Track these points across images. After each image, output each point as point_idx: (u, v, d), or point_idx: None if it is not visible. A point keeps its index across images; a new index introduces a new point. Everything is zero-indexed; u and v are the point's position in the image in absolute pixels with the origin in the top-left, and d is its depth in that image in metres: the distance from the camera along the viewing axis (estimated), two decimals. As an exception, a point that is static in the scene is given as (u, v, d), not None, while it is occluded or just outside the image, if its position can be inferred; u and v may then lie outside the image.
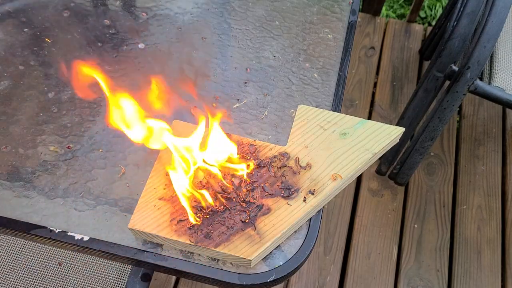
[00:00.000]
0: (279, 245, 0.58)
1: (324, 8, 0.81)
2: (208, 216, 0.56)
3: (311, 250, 0.58)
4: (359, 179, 1.48)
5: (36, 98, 0.69)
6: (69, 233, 0.58)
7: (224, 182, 0.58)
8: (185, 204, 0.55)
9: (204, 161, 0.57)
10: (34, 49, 0.75)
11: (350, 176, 0.60)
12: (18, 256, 0.83)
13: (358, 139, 0.62)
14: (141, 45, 0.76)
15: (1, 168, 0.63)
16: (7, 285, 0.81)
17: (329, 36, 0.78)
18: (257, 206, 0.57)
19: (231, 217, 0.56)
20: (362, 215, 1.40)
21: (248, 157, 0.61)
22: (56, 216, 0.59)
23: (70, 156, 0.64)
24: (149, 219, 0.56)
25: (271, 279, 0.56)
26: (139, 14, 0.79)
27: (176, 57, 0.75)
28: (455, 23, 1.07)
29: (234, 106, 0.69)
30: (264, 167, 0.60)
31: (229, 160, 0.59)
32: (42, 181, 0.62)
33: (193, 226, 0.55)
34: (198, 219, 0.56)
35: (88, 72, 0.56)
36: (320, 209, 0.60)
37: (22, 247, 0.84)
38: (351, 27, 0.78)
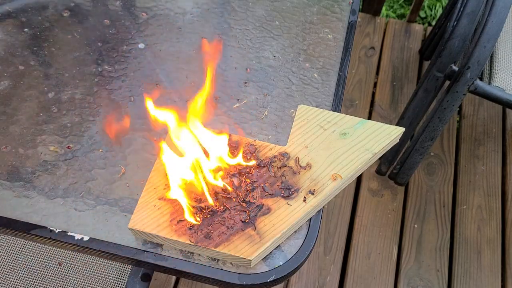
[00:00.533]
0: (279, 245, 0.58)
1: (324, 8, 0.81)
2: (208, 216, 0.56)
3: (311, 250, 0.58)
4: (359, 179, 1.48)
5: (36, 98, 0.69)
6: (69, 233, 0.58)
7: (225, 182, 0.58)
8: (183, 202, 0.55)
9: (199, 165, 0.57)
10: (34, 49, 0.75)
11: (350, 176, 0.60)
12: (18, 256, 0.83)
13: (358, 139, 0.62)
14: (141, 45, 0.76)
15: (1, 168, 0.63)
16: (7, 285, 0.81)
17: (329, 36, 0.78)
18: (257, 206, 0.57)
19: (231, 217, 0.56)
20: (362, 215, 1.40)
21: (248, 157, 0.61)
22: (56, 216, 0.59)
23: (70, 156, 0.64)
24: (149, 219, 0.56)
25: (271, 279, 0.56)
26: (139, 14, 0.79)
27: (176, 57, 0.75)
28: (455, 23, 1.07)
29: (234, 106, 0.69)
30: (264, 167, 0.60)
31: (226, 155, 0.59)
32: (42, 181, 0.62)
33: (193, 226, 0.55)
34: (198, 219, 0.56)
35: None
36: (320, 209, 0.60)
37: (22, 247, 0.84)
38: (351, 27, 0.78)
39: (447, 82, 1.11)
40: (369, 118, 1.60)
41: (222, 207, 0.57)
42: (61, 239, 0.58)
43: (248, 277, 0.56)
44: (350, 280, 1.30)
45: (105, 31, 0.77)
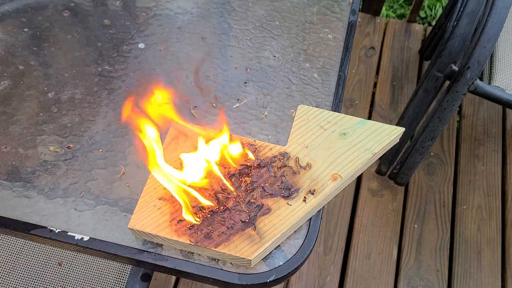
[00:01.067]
0: (279, 245, 0.58)
1: (324, 8, 0.81)
2: (208, 216, 0.56)
3: (311, 250, 0.58)
4: (359, 179, 1.48)
5: (36, 98, 0.69)
6: (69, 233, 0.58)
7: (225, 181, 0.58)
8: (181, 201, 0.55)
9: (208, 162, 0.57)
10: (34, 49, 0.75)
11: (350, 176, 0.60)
12: (18, 256, 0.83)
13: (358, 139, 0.62)
14: (141, 45, 0.76)
15: (1, 168, 0.63)
16: (7, 285, 0.81)
17: (329, 36, 0.78)
18: (257, 206, 0.57)
19: (231, 217, 0.56)
20: (362, 215, 1.40)
21: (248, 157, 0.61)
22: (56, 216, 0.59)
23: (70, 156, 0.64)
24: (149, 219, 0.56)
25: (271, 279, 0.56)
26: (139, 14, 0.79)
27: (176, 57, 0.75)
28: (455, 23, 1.07)
29: (234, 106, 0.69)
30: (264, 167, 0.60)
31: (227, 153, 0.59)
32: (42, 181, 0.62)
33: (193, 226, 0.55)
34: (198, 219, 0.56)
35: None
36: (320, 209, 0.60)
37: (22, 247, 0.84)
38: (351, 27, 0.78)
39: (447, 82, 1.11)
40: (369, 118, 1.60)
41: (222, 207, 0.57)
42: (61, 239, 0.58)
43: (248, 277, 0.56)
44: (350, 280, 1.30)
45: (105, 31, 0.77)
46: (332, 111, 0.67)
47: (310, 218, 0.60)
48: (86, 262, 0.83)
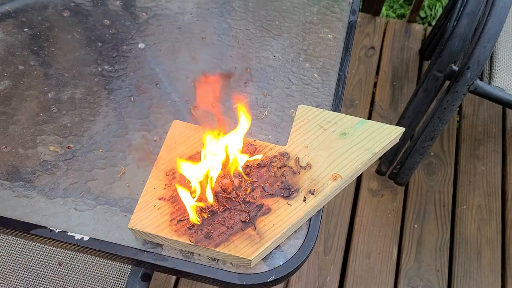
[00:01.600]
0: (279, 245, 0.58)
1: (324, 8, 0.81)
2: (208, 216, 0.56)
3: (311, 250, 0.58)
4: (359, 179, 1.48)
5: (36, 98, 0.69)
6: (69, 233, 0.58)
7: (227, 181, 0.58)
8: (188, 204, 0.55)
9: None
10: (34, 49, 0.75)
11: (350, 176, 0.60)
12: (18, 256, 0.83)
13: (358, 139, 0.62)
14: (141, 45, 0.76)
15: (1, 168, 0.63)
16: (7, 285, 0.81)
17: (329, 36, 0.78)
18: (257, 206, 0.57)
19: (231, 217, 0.56)
20: (362, 215, 1.40)
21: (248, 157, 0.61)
22: (56, 216, 0.59)
23: (70, 156, 0.64)
24: (149, 219, 0.56)
25: (271, 279, 0.56)
26: (139, 14, 0.79)
27: (176, 57, 0.75)
28: (455, 23, 1.07)
29: (234, 106, 0.69)
30: (264, 167, 0.60)
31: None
32: (42, 181, 0.62)
33: (193, 226, 0.55)
34: (198, 219, 0.56)
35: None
36: (320, 209, 0.60)
37: (22, 247, 0.84)
38: (351, 27, 0.78)
39: (447, 82, 1.11)
40: (369, 118, 1.60)
41: (222, 207, 0.57)
42: (61, 239, 0.58)
43: (248, 277, 0.56)
44: (350, 280, 1.30)
45: (105, 31, 0.77)
46: (332, 111, 0.67)
47: (310, 218, 0.60)
48: (86, 262, 0.83)
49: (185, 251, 0.57)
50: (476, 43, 0.96)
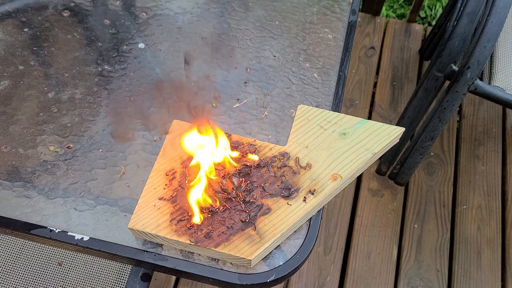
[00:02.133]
0: (279, 245, 0.58)
1: (324, 8, 0.81)
2: (208, 216, 0.56)
3: (311, 250, 0.58)
4: (359, 179, 1.48)
5: (36, 98, 0.69)
6: (69, 233, 0.58)
7: (225, 182, 0.58)
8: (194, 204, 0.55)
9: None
10: (34, 49, 0.75)
11: (350, 176, 0.60)
12: (18, 256, 0.83)
13: (358, 139, 0.62)
14: (141, 45, 0.76)
15: (1, 168, 0.63)
16: (7, 285, 0.81)
17: (329, 36, 0.78)
18: (257, 206, 0.57)
19: (231, 217, 0.56)
20: (362, 215, 1.40)
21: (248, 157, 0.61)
22: (56, 216, 0.59)
23: (70, 156, 0.64)
24: (149, 219, 0.56)
25: (271, 279, 0.56)
26: (139, 14, 0.79)
27: (176, 57, 0.75)
28: (455, 23, 1.07)
29: (234, 106, 0.69)
30: (264, 167, 0.60)
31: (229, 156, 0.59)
32: (42, 181, 0.62)
33: (193, 226, 0.55)
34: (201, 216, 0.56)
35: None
36: (320, 209, 0.60)
37: (22, 247, 0.84)
38: (351, 27, 0.78)
39: (447, 82, 1.11)
40: (369, 118, 1.60)
41: (222, 207, 0.57)
42: (61, 239, 0.58)
43: (248, 277, 0.56)
44: (350, 280, 1.30)
45: (105, 31, 0.77)
46: (332, 111, 0.67)
47: (310, 218, 0.60)
48: (86, 262, 0.83)
49: (185, 251, 0.57)
50: (476, 43, 0.96)
